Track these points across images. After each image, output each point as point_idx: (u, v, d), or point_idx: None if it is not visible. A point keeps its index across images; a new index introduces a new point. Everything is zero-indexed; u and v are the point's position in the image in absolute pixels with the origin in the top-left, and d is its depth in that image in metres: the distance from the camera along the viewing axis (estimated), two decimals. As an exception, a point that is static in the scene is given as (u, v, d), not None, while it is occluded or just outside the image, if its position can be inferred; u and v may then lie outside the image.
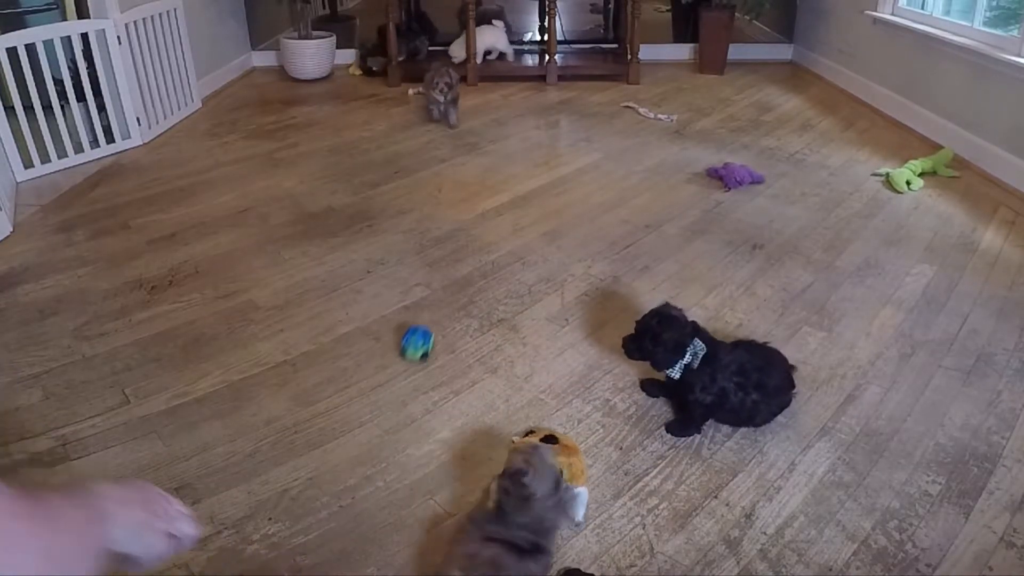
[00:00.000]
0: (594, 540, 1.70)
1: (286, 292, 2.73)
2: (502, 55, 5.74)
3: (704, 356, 1.94)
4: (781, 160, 3.95)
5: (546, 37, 5.61)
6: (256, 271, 2.88)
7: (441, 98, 4.38)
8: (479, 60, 5.56)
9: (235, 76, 5.72)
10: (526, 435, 1.95)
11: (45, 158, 3.82)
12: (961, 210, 3.33)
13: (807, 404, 2.13)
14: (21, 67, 3.59)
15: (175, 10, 4.56)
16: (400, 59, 5.69)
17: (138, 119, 4.21)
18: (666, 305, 2.03)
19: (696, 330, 1.98)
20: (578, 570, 1.61)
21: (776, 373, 2.00)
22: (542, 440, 1.90)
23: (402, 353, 2.35)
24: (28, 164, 3.75)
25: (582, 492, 1.78)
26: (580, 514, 1.76)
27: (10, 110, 3.62)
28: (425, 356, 2.34)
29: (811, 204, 3.42)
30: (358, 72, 5.82)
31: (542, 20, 6.14)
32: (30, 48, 3.63)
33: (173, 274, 2.86)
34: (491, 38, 5.61)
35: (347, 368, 2.30)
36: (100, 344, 2.43)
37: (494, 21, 5.64)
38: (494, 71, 5.61)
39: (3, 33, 3.58)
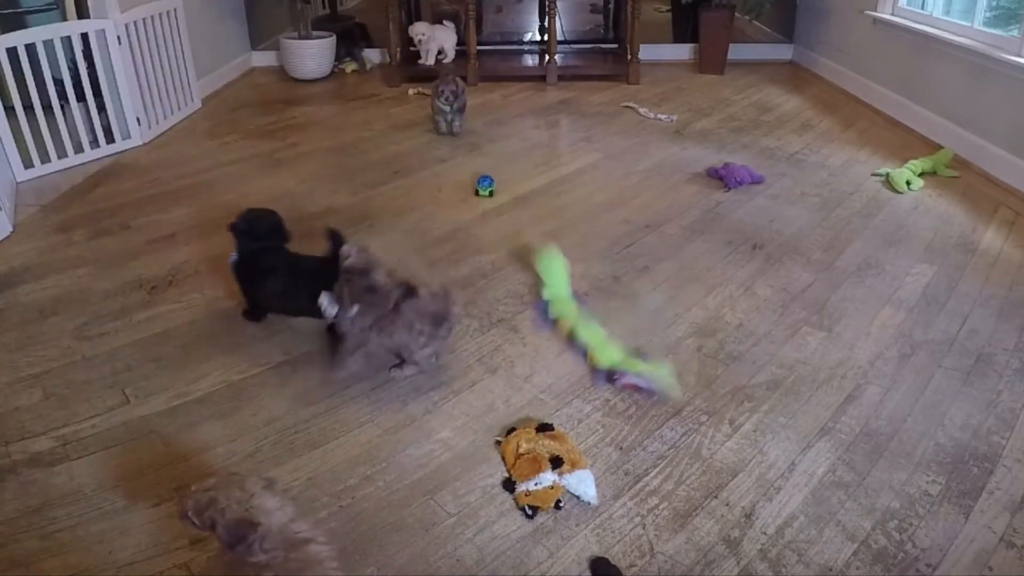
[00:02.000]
0: (594, 540, 1.70)
1: (286, 292, 2.73)
2: (444, 54, 5.77)
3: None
4: (781, 160, 3.95)
5: (546, 37, 5.61)
6: (256, 271, 2.88)
7: (447, 107, 4.19)
8: (431, 60, 5.60)
9: (235, 76, 5.72)
10: (508, 433, 1.97)
11: (45, 158, 3.82)
12: (961, 210, 3.33)
13: (807, 404, 2.13)
14: (21, 67, 3.59)
15: (175, 10, 4.56)
16: (340, 65, 5.81)
17: (138, 119, 4.21)
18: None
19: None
20: (605, 559, 1.62)
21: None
22: (537, 429, 1.93)
23: (476, 192, 3.46)
24: (28, 164, 3.75)
25: (586, 473, 1.82)
26: (592, 494, 1.78)
27: (10, 110, 3.61)
28: (491, 193, 3.45)
29: (811, 204, 3.42)
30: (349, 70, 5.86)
31: (542, 20, 6.14)
32: (30, 48, 3.63)
33: (173, 274, 2.86)
34: (441, 37, 5.62)
35: (347, 368, 2.30)
36: (100, 344, 2.43)
37: (445, 22, 5.65)
38: (494, 71, 5.62)
39: (3, 33, 3.58)
